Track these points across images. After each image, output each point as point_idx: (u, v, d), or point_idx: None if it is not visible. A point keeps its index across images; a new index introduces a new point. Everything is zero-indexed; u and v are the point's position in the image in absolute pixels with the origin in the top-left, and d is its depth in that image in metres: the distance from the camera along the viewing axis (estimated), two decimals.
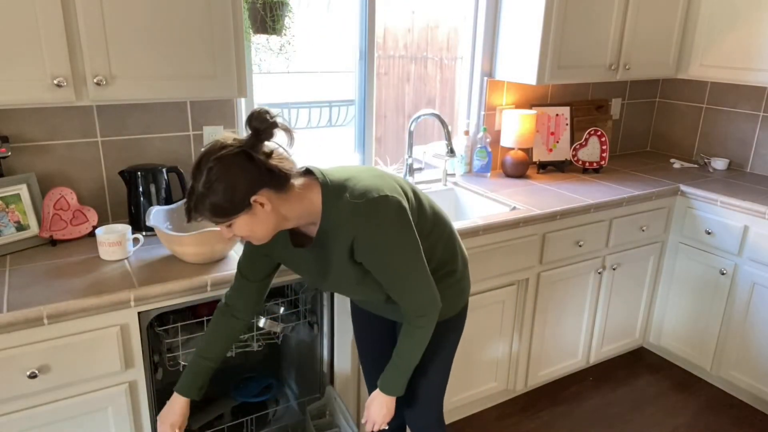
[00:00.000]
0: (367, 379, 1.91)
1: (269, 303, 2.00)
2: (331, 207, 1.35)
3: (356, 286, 1.46)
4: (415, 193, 1.51)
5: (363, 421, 1.61)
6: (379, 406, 1.56)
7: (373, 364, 1.82)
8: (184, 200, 1.30)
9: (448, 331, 1.67)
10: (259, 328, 1.91)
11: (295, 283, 1.90)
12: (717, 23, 2.80)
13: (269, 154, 1.28)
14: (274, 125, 1.27)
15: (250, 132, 1.27)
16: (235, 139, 1.27)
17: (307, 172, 1.40)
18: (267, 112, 1.27)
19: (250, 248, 1.53)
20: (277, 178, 1.28)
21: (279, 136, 1.30)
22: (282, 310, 1.98)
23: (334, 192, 1.36)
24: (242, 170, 1.24)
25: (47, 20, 1.54)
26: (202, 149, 1.28)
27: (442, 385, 1.74)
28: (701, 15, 2.85)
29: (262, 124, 1.26)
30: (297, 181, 1.34)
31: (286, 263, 1.54)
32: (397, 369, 1.52)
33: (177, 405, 1.58)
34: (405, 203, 1.39)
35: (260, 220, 1.30)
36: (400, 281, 1.41)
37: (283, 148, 1.32)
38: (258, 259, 1.53)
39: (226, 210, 1.26)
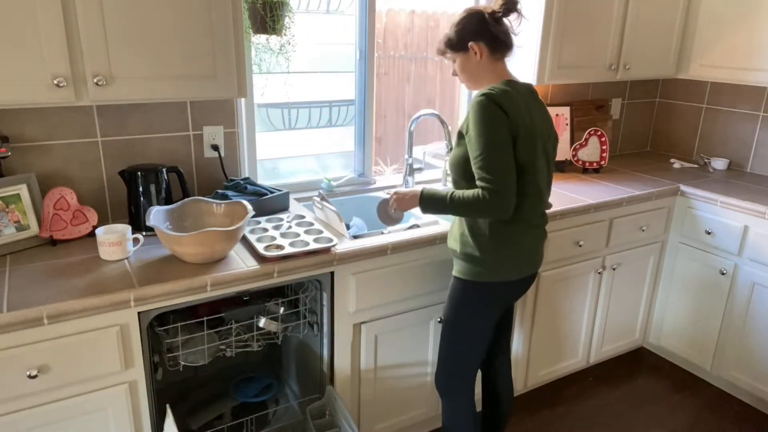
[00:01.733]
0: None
1: (269, 303, 2.00)
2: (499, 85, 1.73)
3: (453, 158, 1.77)
4: (533, 151, 1.72)
5: (390, 196, 1.90)
6: (411, 197, 1.83)
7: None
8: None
9: (462, 293, 1.82)
10: (259, 328, 1.91)
11: (295, 283, 1.91)
12: (717, 23, 2.80)
13: (498, 22, 1.73)
14: (515, 10, 1.73)
15: (498, 5, 1.73)
16: (487, 6, 1.76)
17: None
18: (516, 1, 1.72)
19: None
20: (494, 41, 1.73)
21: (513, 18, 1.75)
22: (282, 310, 1.98)
23: (500, 84, 1.72)
24: (475, 23, 1.73)
25: (47, 20, 1.54)
26: None
27: (449, 352, 1.90)
28: (701, 15, 2.85)
29: (508, 3, 1.72)
30: (508, 70, 1.80)
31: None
32: (443, 199, 1.72)
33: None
34: (501, 105, 1.65)
35: (471, 66, 1.77)
36: (476, 147, 1.65)
37: (512, 28, 1.77)
38: None
39: (452, 45, 1.77)
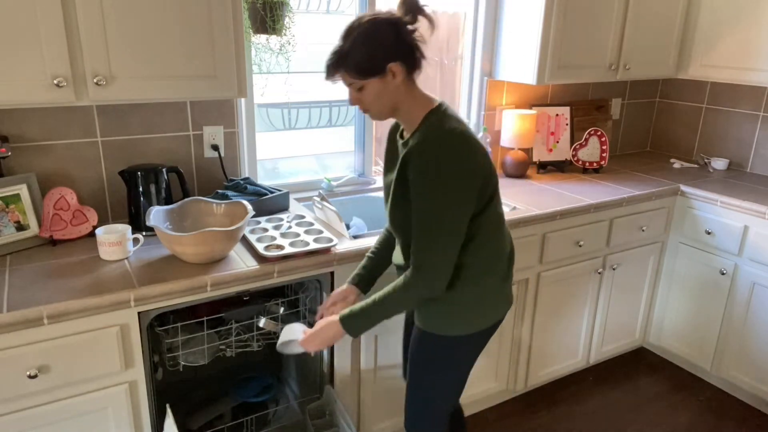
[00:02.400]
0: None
1: (269, 303, 2.00)
2: (426, 124, 1.41)
3: (391, 204, 1.49)
4: (495, 189, 1.48)
5: (304, 333, 1.56)
6: (328, 333, 1.51)
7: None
8: (327, 59, 1.40)
9: (441, 348, 1.56)
10: (259, 328, 1.91)
11: (295, 283, 1.90)
12: (717, 23, 2.80)
13: (413, 32, 1.39)
14: (422, 11, 1.38)
15: (402, 9, 1.38)
16: (389, 12, 1.39)
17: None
18: (419, 1, 1.38)
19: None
20: (412, 57, 1.39)
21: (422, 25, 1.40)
22: (282, 310, 1.98)
23: (436, 116, 1.42)
24: (388, 36, 1.35)
25: (47, 20, 1.54)
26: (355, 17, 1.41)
27: (432, 403, 1.64)
28: (701, 15, 2.85)
29: (412, 6, 1.37)
30: (422, 91, 1.45)
31: (386, 161, 1.60)
32: (365, 310, 1.46)
33: (344, 288, 1.71)
34: (484, 168, 1.40)
35: (388, 91, 1.40)
36: (420, 221, 1.38)
37: (422, 41, 1.42)
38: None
39: (364, 69, 1.37)
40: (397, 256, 1.62)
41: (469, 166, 1.36)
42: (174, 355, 1.82)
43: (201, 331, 1.87)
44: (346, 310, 1.50)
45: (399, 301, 1.45)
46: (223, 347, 1.92)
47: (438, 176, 1.34)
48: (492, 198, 1.47)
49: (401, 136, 1.53)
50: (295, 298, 2.08)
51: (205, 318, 1.86)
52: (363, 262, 1.74)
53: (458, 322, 1.53)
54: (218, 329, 1.91)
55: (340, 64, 1.38)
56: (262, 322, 1.87)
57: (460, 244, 1.40)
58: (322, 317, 1.66)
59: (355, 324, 1.48)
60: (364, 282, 1.72)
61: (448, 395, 1.66)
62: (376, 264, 1.73)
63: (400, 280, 1.44)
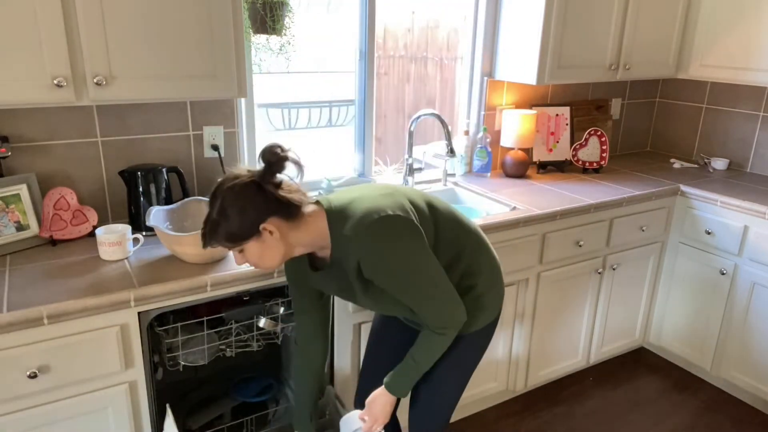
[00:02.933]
0: (364, 381, 1.85)
1: (269, 303, 2.00)
2: (336, 233, 1.41)
3: (381, 303, 1.50)
4: (430, 204, 1.52)
5: (361, 417, 1.60)
6: (383, 405, 1.56)
7: (377, 368, 1.79)
8: (201, 227, 1.38)
9: (467, 346, 1.62)
10: (259, 328, 1.91)
11: None
12: (717, 23, 2.80)
13: (279, 185, 1.37)
14: (285, 159, 1.35)
15: (262, 165, 1.35)
16: (248, 171, 1.37)
17: (317, 203, 1.46)
18: (279, 146, 1.35)
19: (293, 286, 1.63)
20: (286, 208, 1.36)
21: (290, 169, 1.38)
22: (282, 310, 1.98)
23: (337, 218, 1.41)
24: (252, 199, 1.33)
25: (47, 20, 1.54)
26: (218, 180, 1.38)
27: (453, 398, 1.70)
28: (701, 15, 2.85)
29: (273, 157, 1.34)
30: (307, 210, 1.41)
31: (318, 286, 1.60)
32: (408, 371, 1.51)
33: None
34: (411, 217, 1.40)
35: (269, 247, 1.38)
36: (415, 296, 1.42)
37: (293, 180, 1.40)
38: (304, 291, 1.63)
39: (236, 236, 1.35)
40: (394, 311, 1.60)
41: (401, 223, 1.38)
42: (174, 355, 1.82)
43: (201, 331, 1.86)
44: (387, 378, 1.54)
45: (437, 349, 1.49)
46: (223, 347, 1.92)
47: (398, 254, 1.37)
48: (437, 217, 1.50)
49: (312, 267, 1.54)
50: None
51: (205, 318, 1.86)
52: (300, 406, 1.79)
53: (480, 316, 1.58)
54: (218, 329, 1.91)
55: (212, 236, 1.36)
56: (262, 322, 1.87)
57: (447, 281, 1.45)
58: None
59: (402, 385, 1.54)
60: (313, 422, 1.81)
61: (458, 394, 1.71)
62: (309, 400, 1.79)
63: (427, 333, 1.47)
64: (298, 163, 1.37)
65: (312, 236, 1.42)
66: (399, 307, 1.51)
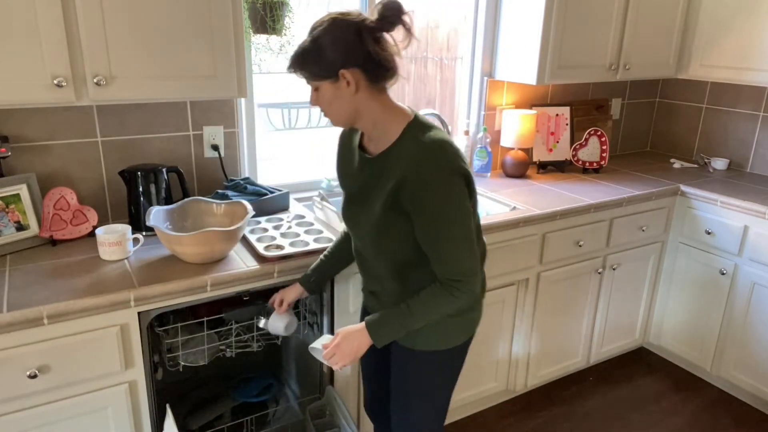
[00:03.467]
0: (368, 383, 1.78)
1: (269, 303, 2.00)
2: (410, 135, 1.32)
3: (375, 233, 1.39)
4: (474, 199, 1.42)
5: (323, 349, 1.45)
6: (354, 344, 1.40)
7: (374, 375, 1.74)
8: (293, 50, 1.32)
9: (441, 364, 1.52)
10: (259, 329, 1.91)
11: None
12: (717, 23, 2.79)
13: (379, 41, 1.27)
14: (400, 20, 1.26)
15: (375, 15, 1.27)
16: (360, 14, 1.28)
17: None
18: (399, 4, 1.26)
19: (338, 159, 1.54)
20: (374, 66, 1.28)
21: (399, 33, 1.29)
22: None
23: (421, 125, 1.34)
24: (345, 40, 1.25)
25: (47, 20, 1.54)
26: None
27: (431, 422, 1.58)
28: (701, 15, 2.85)
29: (389, 12, 1.25)
30: (392, 99, 1.36)
31: (342, 174, 1.51)
32: (396, 317, 1.37)
33: (296, 286, 1.71)
34: (467, 174, 1.32)
35: (341, 97, 1.30)
36: (441, 234, 1.29)
37: (396, 47, 1.31)
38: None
39: (316, 71, 1.29)
40: (374, 282, 1.53)
41: (457, 189, 1.29)
42: (174, 355, 1.82)
43: (201, 332, 1.86)
44: (373, 316, 1.41)
45: (436, 309, 1.36)
46: (223, 348, 1.92)
47: (448, 189, 1.27)
48: (475, 205, 1.43)
49: (362, 148, 1.44)
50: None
51: (205, 318, 1.86)
52: (316, 263, 1.71)
53: (456, 330, 1.48)
54: (218, 330, 1.91)
55: (297, 60, 1.31)
56: (262, 322, 1.86)
57: (475, 241, 1.35)
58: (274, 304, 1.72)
59: (383, 332, 1.39)
60: (314, 285, 1.72)
61: (442, 417, 1.60)
62: (329, 267, 1.71)
63: (435, 289, 1.35)
64: (410, 30, 1.28)
65: (383, 116, 1.33)
66: (385, 254, 1.41)
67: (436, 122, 1.45)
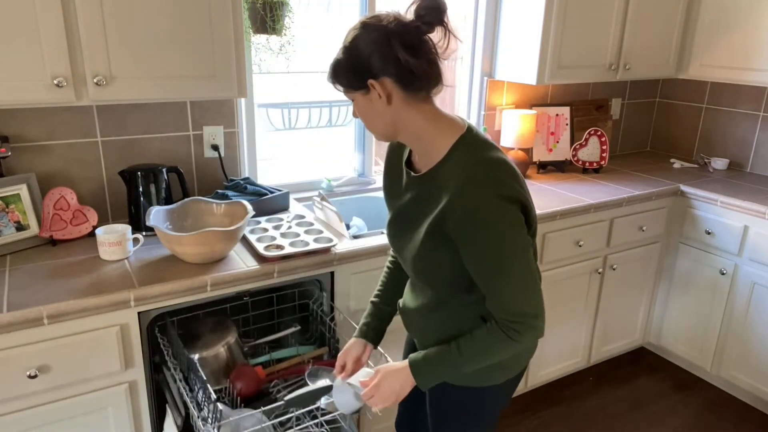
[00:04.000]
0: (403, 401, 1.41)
1: (330, 373, 1.62)
2: (458, 154, 1.18)
3: (418, 261, 1.26)
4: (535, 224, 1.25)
5: (364, 384, 1.30)
6: (395, 385, 1.25)
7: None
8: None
9: (484, 401, 1.37)
10: (321, 410, 1.50)
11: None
12: (717, 23, 2.79)
13: (411, 46, 1.13)
14: (439, 21, 1.13)
15: (411, 16, 1.14)
16: (395, 18, 1.14)
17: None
18: (439, 3, 1.13)
19: (384, 178, 1.41)
20: (407, 74, 1.14)
21: (437, 35, 1.16)
22: (346, 380, 1.46)
23: (471, 143, 1.19)
24: (374, 48, 1.13)
25: (47, 20, 1.54)
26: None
27: None
28: (701, 15, 2.85)
29: (425, 12, 1.12)
30: (440, 109, 1.22)
31: (387, 192, 1.39)
32: (443, 358, 1.23)
33: (357, 343, 1.46)
34: (524, 201, 1.17)
35: (374, 109, 1.19)
36: (494, 271, 1.14)
37: (435, 51, 1.17)
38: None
39: (345, 81, 1.20)
40: (410, 299, 1.40)
41: (511, 221, 1.13)
42: None
43: (252, 418, 1.52)
44: (417, 355, 1.25)
45: (490, 352, 1.21)
46: None
47: (500, 219, 1.12)
48: (533, 235, 1.24)
49: (409, 166, 1.31)
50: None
51: (262, 408, 1.48)
52: (368, 310, 1.50)
53: (492, 370, 1.32)
54: (273, 413, 1.50)
55: (331, 70, 1.22)
56: (322, 401, 1.48)
57: (536, 275, 1.21)
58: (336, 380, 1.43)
59: (428, 374, 1.24)
60: (375, 334, 1.48)
61: None
62: (386, 312, 1.49)
63: (491, 329, 1.20)
64: (451, 33, 1.15)
65: (427, 130, 1.20)
66: (431, 282, 1.29)
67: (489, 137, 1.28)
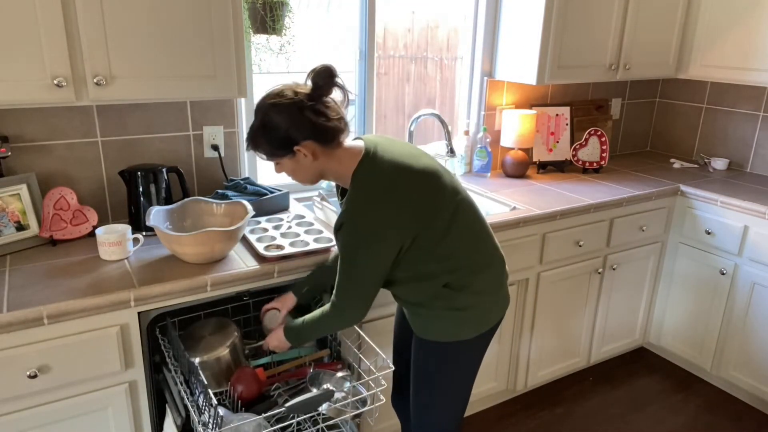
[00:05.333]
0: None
1: (338, 376, 1.68)
2: (355, 180, 1.43)
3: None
4: (456, 212, 1.48)
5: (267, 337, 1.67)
6: (278, 338, 1.62)
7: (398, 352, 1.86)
8: (247, 131, 1.45)
9: (447, 356, 1.58)
10: (323, 416, 1.56)
11: (356, 345, 1.85)
12: (717, 23, 2.80)
13: (319, 111, 1.39)
14: (334, 84, 1.39)
15: (309, 84, 1.39)
16: (295, 91, 1.39)
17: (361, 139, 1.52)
18: (330, 70, 1.38)
19: None
20: (323, 134, 1.39)
21: (336, 95, 1.42)
22: (347, 386, 1.63)
23: (362, 170, 1.43)
24: (291, 120, 1.37)
25: (47, 20, 1.54)
26: (266, 92, 1.43)
27: (440, 412, 1.65)
28: (701, 15, 2.85)
29: (321, 81, 1.37)
30: (348, 142, 1.46)
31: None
32: (299, 326, 1.57)
33: (286, 295, 1.77)
34: (386, 231, 1.40)
35: (302, 167, 1.45)
36: (341, 265, 1.46)
37: (337, 107, 1.43)
38: None
39: (271, 151, 1.43)
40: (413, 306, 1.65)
41: (389, 217, 1.39)
42: None
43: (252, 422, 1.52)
44: (290, 322, 1.60)
45: (320, 327, 1.55)
46: None
47: (354, 228, 1.40)
48: (454, 220, 1.47)
49: (341, 194, 1.62)
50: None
51: (262, 415, 1.50)
52: (310, 273, 1.80)
53: (464, 327, 1.55)
54: (274, 419, 1.53)
55: (251, 144, 1.45)
56: (324, 407, 1.55)
57: (374, 288, 1.47)
58: (264, 312, 1.77)
59: (292, 337, 1.60)
60: (306, 295, 1.78)
61: (455, 407, 1.67)
62: (319, 278, 1.78)
63: (325, 308, 1.53)
64: (344, 90, 1.41)
65: (342, 170, 1.46)
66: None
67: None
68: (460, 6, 2.79)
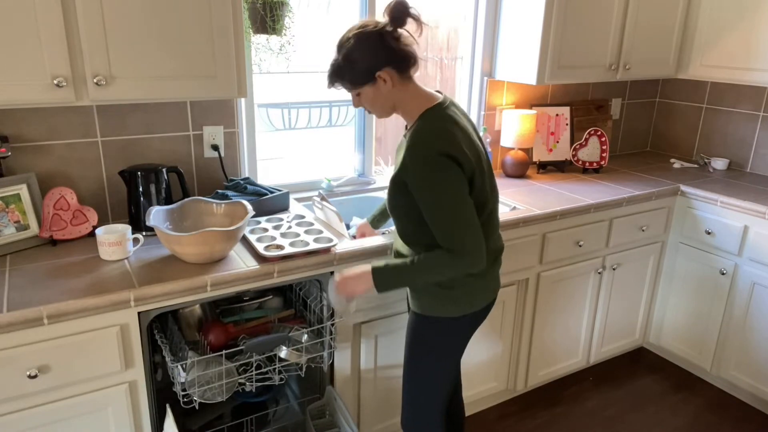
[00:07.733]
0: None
1: (293, 331, 1.90)
2: (418, 122, 1.52)
3: (389, 195, 1.59)
4: (482, 169, 1.56)
5: (336, 279, 1.61)
6: (359, 282, 1.57)
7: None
8: (327, 70, 1.55)
9: (432, 331, 1.66)
10: (280, 359, 1.78)
11: (319, 308, 1.91)
12: (717, 23, 2.80)
13: (398, 38, 1.50)
14: (408, 14, 1.48)
15: (386, 18, 1.48)
16: (376, 22, 1.51)
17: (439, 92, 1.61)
18: (404, 2, 1.47)
19: None
20: (402, 60, 1.51)
21: (411, 25, 1.51)
22: (305, 338, 1.88)
23: (432, 113, 1.52)
24: (373, 48, 1.48)
25: (47, 20, 1.54)
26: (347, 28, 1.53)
27: (427, 390, 1.71)
28: (701, 15, 2.85)
29: (397, 13, 1.47)
30: (422, 86, 1.57)
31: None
32: (399, 270, 1.53)
33: (363, 222, 2.02)
34: (455, 157, 1.45)
35: (381, 95, 1.54)
36: (435, 215, 1.47)
37: (412, 37, 1.53)
38: None
39: (356, 80, 1.52)
40: (398, 243, 1.70)
41: (443, 171, 1.44)
42: (188, 392, 1.68)
43: (218, 364, 1.71)
44: (380, 263, 1.55)
45: (434, 268, 1.50)
46: (242, 381, 1.78)
47: (430, 174, 1.44)
48: (486, 197, 1.58)
49: (406, 129, 1.64)
50: (320, 327, 1.98)
51: (224, 351, 1.70)
52: (382, 204, 1.98)
53: (448, 305, 1.62)
54: (238, 362, 1.74)
55: (335, 76, 1.55)
56: (283, 352, 1.73)
57: (479, 226, 1.49)
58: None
59: (385, 280, 1.55)
60: (377, 221, 2.00)
61: (442, 380, 1.71)
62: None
63: (442, 253, 1.48)
64: (419, 20, 1.50)
65: (411, 103, 1.55)
66: (399, 216, 1.60)
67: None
68: (460, 6, 2.79)
